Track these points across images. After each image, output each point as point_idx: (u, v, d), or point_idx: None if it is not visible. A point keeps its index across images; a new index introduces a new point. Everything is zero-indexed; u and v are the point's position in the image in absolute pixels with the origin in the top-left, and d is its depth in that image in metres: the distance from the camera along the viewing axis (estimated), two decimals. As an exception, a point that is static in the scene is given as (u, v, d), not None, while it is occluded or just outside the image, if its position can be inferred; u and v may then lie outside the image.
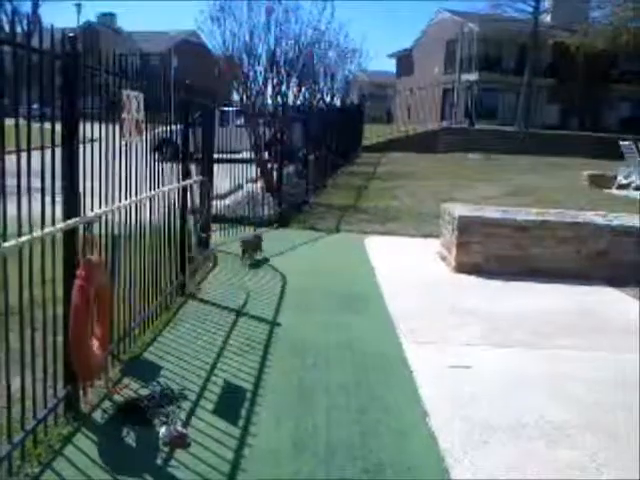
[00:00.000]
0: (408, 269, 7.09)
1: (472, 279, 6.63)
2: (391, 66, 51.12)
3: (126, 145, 3.95)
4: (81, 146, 3.31)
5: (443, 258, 7.44)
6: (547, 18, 35.66)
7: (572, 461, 3.09)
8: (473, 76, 36.84)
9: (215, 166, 7.19)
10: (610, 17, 29.34)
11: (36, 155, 2.86)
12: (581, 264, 6.79)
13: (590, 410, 3.66)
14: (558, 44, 32.60)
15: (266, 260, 7.07)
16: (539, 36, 32.54)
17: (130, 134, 3.89)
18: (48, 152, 3.00)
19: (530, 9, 32.82)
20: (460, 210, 7.25)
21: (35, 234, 2.83)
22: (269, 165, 11.18)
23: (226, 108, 15.77)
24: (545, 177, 18.02)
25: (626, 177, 15.75)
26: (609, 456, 3.15)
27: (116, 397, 3.53)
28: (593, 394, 3.88)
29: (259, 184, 10.75)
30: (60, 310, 3.21)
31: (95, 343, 3.33)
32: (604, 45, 28.28)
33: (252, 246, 7.08)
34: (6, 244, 2.60)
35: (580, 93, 36.29)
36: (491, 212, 7.40)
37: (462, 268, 6.83)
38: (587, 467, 3.05)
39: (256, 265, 6.88)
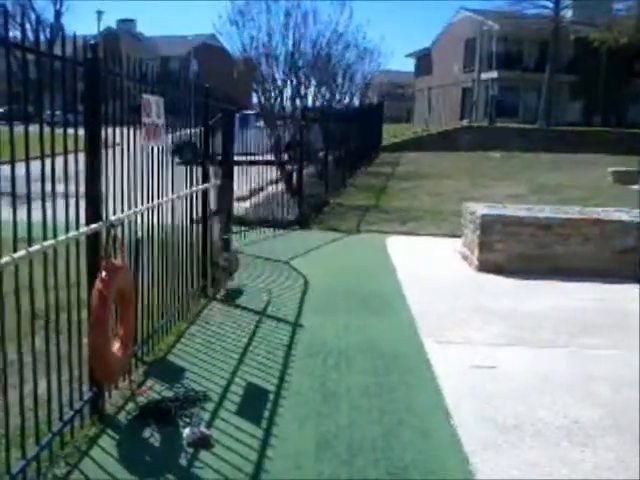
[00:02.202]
0: (430, 269, 7.05)
1: (495, 278, 6.57)
2: (409, 65, 50.88)
3: (147, 149, 3.98)
4: (103, 151, 3.35)
5: (465, 257, 7.38)
6: (568, 13, 35.16)
7: (599, 462, 3.05)
8: (493, 74, 36.49)
9: (235, 168, 7.22)
10: (634, 9, 28.79)
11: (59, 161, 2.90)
12: (607, 262, 6.69)
13: (616, 410, 3.60)
14: (580, 39, 32.08)
15: (240, 292, 5.82)
16: (560, 32, 32.11)
17: (150, 138, 3.92)
18: (70, 157, 3.04)
19: (551, 5, 32.41)
20: (482, 209, 7.19)
21: (59, 238, 2.88)
22: (289, 167, 11.21)
23: (245, 111, 15.84)
24: (568, 174, 17.77)
25: (651, 173, 15.46)
26: (636, 457, 3.09)
27: (140, 399, 3.57)
28: (619, 394, 3.82)
29: (279, 186, 10.77)
30: (85, 313, 3.25)
31: (117, 344, 3.36)
32: (627, 38, 27.74)
33: (224, 272, 5.82)
34: (31, 248, 2.64)
35: (603, 88, 35.67)
36: (514, 210, 7.33)
37: (484, 267, 6.78)
38: (614, 468, 3.00)
39: (230, 299, 5.62)
